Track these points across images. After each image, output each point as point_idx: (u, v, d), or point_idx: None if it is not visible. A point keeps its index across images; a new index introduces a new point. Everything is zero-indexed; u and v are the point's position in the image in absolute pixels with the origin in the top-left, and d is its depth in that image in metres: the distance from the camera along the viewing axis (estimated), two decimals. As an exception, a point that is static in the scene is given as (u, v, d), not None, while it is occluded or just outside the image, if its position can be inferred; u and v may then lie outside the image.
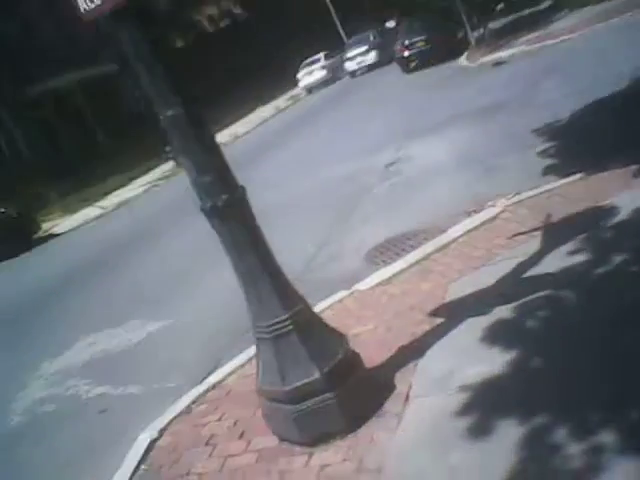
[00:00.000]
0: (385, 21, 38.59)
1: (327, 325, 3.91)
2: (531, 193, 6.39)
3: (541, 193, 6.27)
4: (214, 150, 3.60)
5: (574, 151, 7.35)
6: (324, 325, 3.87)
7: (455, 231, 6.17)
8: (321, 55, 33.38)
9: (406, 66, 21.81)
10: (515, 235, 5.47)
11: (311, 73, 32.78)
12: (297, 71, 33.53)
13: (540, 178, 6.97)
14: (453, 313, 4.53)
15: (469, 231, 6.02)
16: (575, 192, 5.94)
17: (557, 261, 4.66)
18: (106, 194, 21.19)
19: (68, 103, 29.63)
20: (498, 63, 15.88)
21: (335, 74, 33.03)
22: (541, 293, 4.30)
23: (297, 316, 3.63)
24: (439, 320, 4.51)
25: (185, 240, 10.37)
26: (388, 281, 5.68)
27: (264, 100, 33.16)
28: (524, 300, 4.29)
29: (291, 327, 3.58)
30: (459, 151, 9.42)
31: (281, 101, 32.79)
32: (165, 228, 12.40)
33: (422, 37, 20.70)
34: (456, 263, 5.44)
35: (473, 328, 4.18)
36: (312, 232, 8.40)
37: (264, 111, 30.32)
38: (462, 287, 4.92)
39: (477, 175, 8.06)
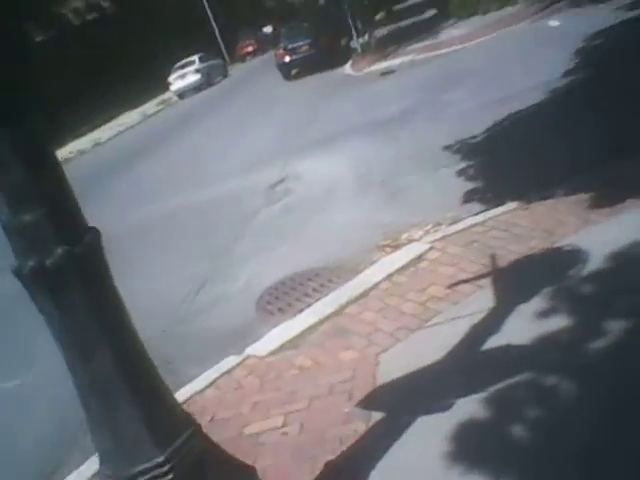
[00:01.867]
0: (262, 27, 37.56)
1: (230, 457, 2.46)
2: (459, 226, 5.26)
3: (472, 226, 5.14)
4: (46, 168, 2.06)
5: (498, 173, 6.33)
6: (226, 458, 2.42)
7: (372, 274, 4.92)
8: (195, 57, 31.47)
9: (288, 73, 20.61)
10: (455, 284, 4.27)
11: (184, 77, 30.80)
12: (169, 74, 31.42)
13: (462, 206, 5.91)
14: (395, 405, 3.23)
15: (391, 275, 4.77)
16: (518, 226, 4.86)
17: (525, 326, 3.48)
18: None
19: None
20: (386, 72, 15.01)
21: (210, 78, 31.31)
22: (517, 377, 3.09)
23: (183, 453, 2.16)
24: (377, 416, 3.20)
25: None
26: (293, 344, 4.31)
27: (132, 104, 30.91)
28: (497, 387, 3.06)
29: (171, 476, 2.11)
30: (356, 169, 8.24)
31: (150, 106, 30.66)
32: None
33: (306, 41, 19.54)
34: (382, 322, 4.16)
35: (433, 435, 2.90)
36: (187, 266, 6.90)
37: (131, 116, 28.16)
38: (398, 360, 3.64)
39: (382, 200, 6.89)
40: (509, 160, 6.47)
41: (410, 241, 5.50)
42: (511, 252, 4.42)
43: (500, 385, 3.05)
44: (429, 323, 3.92)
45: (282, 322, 4.86)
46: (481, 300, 3.93)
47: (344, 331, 4.23)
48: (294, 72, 20.42)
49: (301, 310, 5.04)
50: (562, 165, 5.68)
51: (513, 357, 3.26)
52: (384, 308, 4.33)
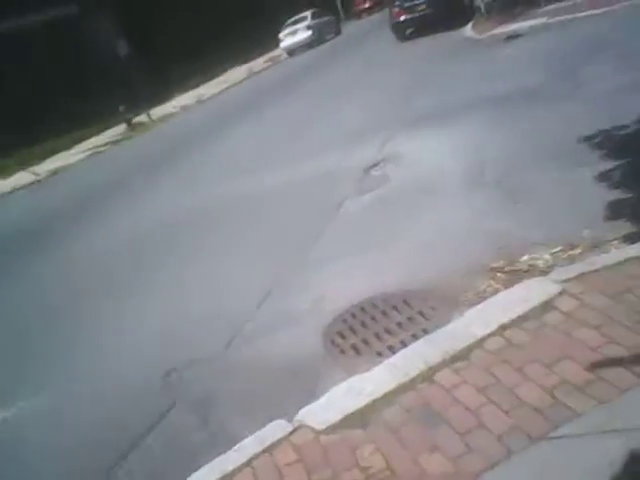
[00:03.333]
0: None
1: None
2: (604, 259, 3.86)
3: (623, 262, 3.73)
4: None
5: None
6: None
7: (478, 320, 3.63)
8: (308, 13, 30.10)
9: (402, 33, 18.94)
10: (601, 364, 2.93)
11: (295, 33, 29.52)
12: (279, 30, 30.30)
13: (605, 222, 4.49)
14: None
15: (504, 328, 3.47)
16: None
17: None
18: (44, 157, 18.43)
19: (24, 47, 26.46)
20: (512, 36, 13.19)
21: (321, 35, 29.95)
22: None
23: None
24: None
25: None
26: (362, 418, 3.14)
27: (242, 59, 30.27)
28: None
29: None
30: (468, 158, 6.78)
31: (258, 62, 29.81)
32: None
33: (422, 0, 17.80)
34: (488, 411, 2.90)
35: None
36: (255, 265, 5.85)
37: (237, 72, 27.54)
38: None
39: (497, 202, 5.46)
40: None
41: (532, 268, 4.19)
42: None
43: None
44: (558, 432, 2.62)
45: (354, 369, 3.73)
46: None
47: (432, 414, 3.01)
48: (409, 32, 18.74)
49: (379, 354, 3.90)
50: None
51: None
52: (492, 385, 3.06)
